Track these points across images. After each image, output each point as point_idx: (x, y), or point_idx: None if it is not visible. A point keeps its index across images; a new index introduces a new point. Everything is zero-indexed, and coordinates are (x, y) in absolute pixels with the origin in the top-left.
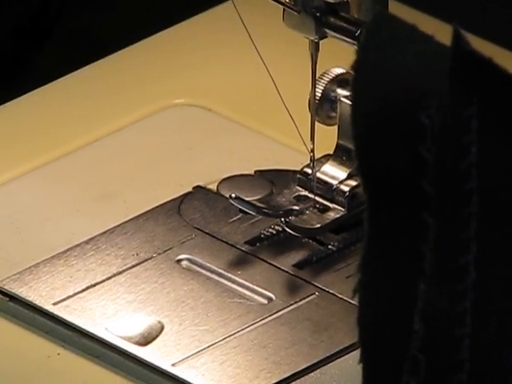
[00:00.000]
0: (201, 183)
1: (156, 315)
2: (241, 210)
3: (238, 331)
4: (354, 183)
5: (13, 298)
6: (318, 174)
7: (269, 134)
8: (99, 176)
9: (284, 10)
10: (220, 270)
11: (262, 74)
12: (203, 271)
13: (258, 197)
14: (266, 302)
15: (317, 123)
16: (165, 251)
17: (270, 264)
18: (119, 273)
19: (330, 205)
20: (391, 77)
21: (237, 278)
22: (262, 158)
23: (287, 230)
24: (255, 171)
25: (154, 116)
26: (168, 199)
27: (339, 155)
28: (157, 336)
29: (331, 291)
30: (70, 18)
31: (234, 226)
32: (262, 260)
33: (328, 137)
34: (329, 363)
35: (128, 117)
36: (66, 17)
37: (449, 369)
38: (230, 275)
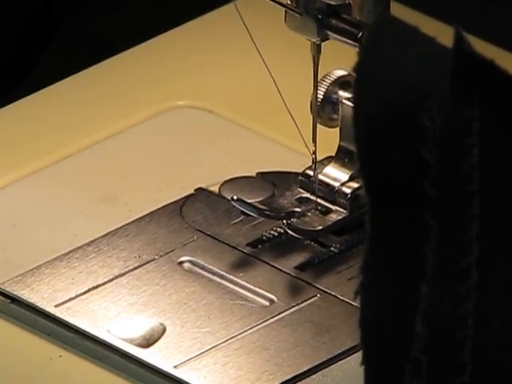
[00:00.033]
0: (203, 185)
1: (158, 317)
2: (242, 212)
3: (240, 333)
4: (355, 185)
5: (15, 300)
6: (320, 176)
7: (271, 136)
8: (101, 178)
9: (286, 11)
10: (222, 272)
11: (264, 76)
12: (205, 273)
13: (259, 199)
14: (267, 303)
15: (319, 125)
16: (167, 253)
17: (272, 266)
18: (121, 275)
19: (332, 207)
20: (393, 79)
21: (239, 280)
22: (263, 160)
23: (289, 232)
24: (257, 173)
25: (156, 118)
26: (170, 201)
27: (341, 157)
28: (159, 338)
29: (333, 293)
30: (73, 19)
31: (236, 228)
32: (264, 262)
33: (330, 139)
34: (331, 365)
35: (130, 119)
36: (69, 17)
37: (451, 371)
38: (231, 277)
